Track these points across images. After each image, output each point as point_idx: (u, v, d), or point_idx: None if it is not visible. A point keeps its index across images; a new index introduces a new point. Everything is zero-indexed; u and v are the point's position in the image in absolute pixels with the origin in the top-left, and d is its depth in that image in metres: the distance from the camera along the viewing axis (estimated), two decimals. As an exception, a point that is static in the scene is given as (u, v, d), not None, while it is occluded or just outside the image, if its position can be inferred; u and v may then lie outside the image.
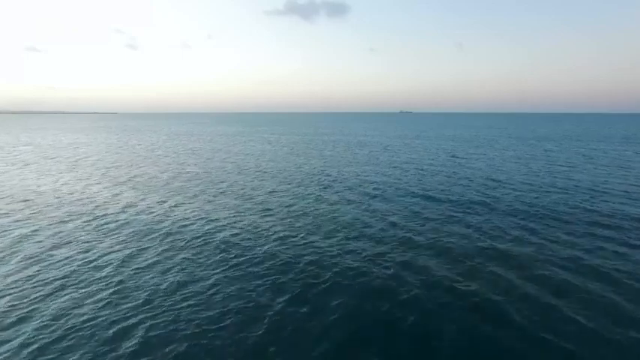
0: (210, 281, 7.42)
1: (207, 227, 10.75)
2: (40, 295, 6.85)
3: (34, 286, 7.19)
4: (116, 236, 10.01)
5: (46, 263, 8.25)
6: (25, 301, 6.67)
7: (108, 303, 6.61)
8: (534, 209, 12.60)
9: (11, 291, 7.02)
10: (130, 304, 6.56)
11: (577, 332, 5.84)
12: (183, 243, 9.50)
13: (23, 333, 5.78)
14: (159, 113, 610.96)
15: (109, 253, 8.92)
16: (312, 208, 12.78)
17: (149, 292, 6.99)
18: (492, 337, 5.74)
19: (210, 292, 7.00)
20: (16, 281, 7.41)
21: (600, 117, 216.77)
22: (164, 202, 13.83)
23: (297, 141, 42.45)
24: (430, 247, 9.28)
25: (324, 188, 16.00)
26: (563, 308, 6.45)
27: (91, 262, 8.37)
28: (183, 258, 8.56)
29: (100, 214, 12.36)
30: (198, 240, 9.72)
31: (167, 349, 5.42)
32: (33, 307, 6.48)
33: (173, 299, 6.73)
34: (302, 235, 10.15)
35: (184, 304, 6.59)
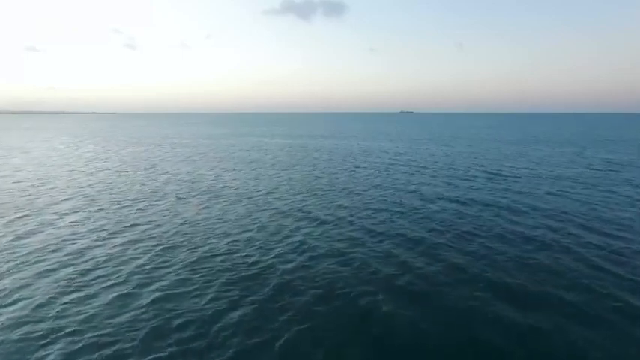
0: None
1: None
2: None
3: None
4: None
5: None
6: None
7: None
8: None
9: None
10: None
11: None
12: None
13: None
14: (159, 113, 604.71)
15: None
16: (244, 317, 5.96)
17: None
18: None
19: None
20: None
21: (601, 117, 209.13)
22: None
23: (288, 146, 35.56)
24: None
25: (288, 256, 8.96)
26: None
27: None
28: None
29: None
30: None
31: None
32: None
33: None
34: None
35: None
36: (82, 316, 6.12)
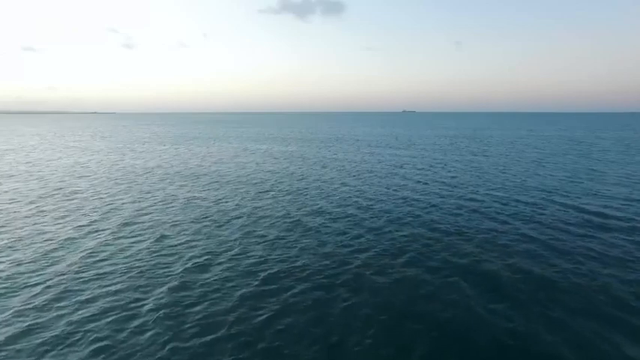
0: None
1: None
2: None
3: None
4: None
5: None
6: None
7: None
8: None
9: None
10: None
11: None
12: None
13: None
14: (159, 113, 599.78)
15: None
16: None
17: None
18: None
19: None
20: None
21: (600, 116, 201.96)
22: None
23: (277, 156, 29.04)
24: None
25: None
26: None
27: None
28: None
29: None
30: None
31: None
32: None
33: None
34: None
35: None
36: None
